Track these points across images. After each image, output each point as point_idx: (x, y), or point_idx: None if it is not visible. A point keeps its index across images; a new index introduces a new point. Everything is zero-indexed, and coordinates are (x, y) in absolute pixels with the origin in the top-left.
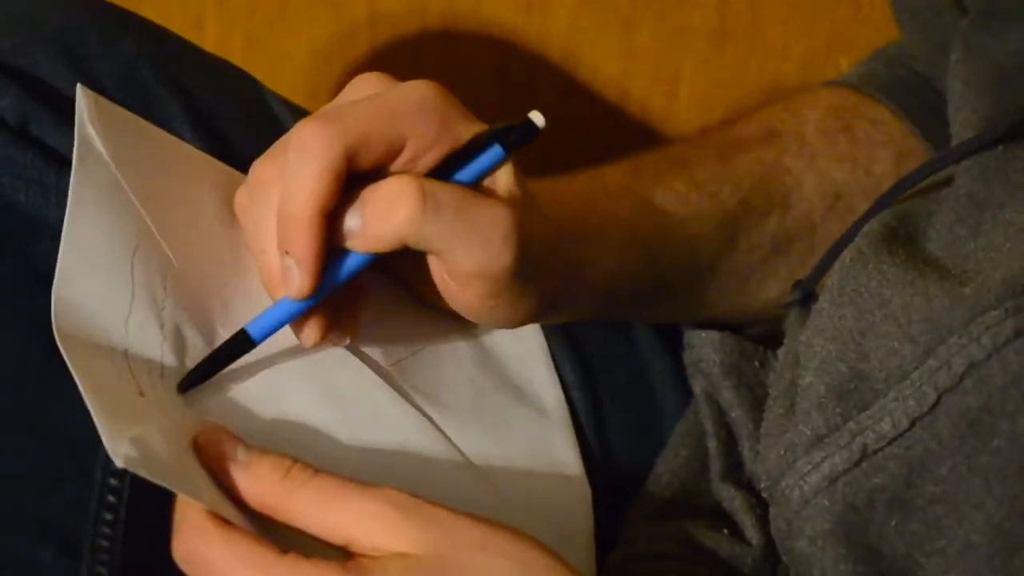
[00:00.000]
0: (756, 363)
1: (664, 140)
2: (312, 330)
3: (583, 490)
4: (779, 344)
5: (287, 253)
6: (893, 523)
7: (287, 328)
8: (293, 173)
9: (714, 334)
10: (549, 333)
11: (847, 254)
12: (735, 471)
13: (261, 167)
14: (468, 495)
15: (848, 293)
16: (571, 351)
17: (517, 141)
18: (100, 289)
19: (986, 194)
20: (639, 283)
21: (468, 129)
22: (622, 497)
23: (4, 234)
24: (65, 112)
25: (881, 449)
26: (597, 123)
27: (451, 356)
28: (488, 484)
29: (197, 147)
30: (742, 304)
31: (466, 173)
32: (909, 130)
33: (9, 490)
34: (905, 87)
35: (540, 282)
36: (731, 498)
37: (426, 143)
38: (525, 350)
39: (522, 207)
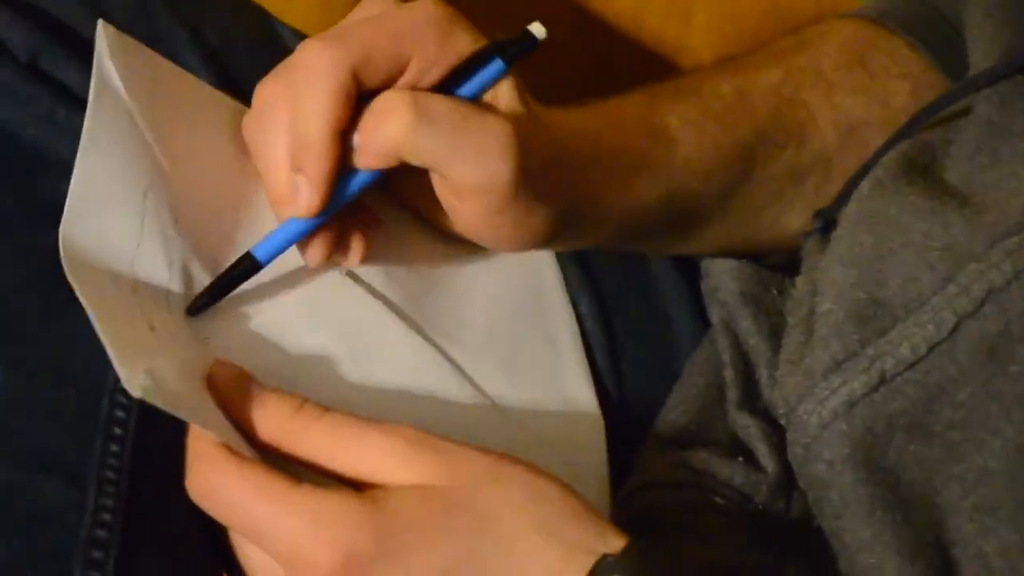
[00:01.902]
0: (774, 291)
1: (678, 71)
2: (317, 249)
3: (597, 423)
4: (797, 273)
5: (299, 171)
6: (911, 448)
7: (302, 270)
8: (304, 94)
9: (732, 262)
10: (564, 265)
11: (866, 183)
12: (751, 400)
13: (266, 88)
14: (480, 428)
15: (867, 221)
16: (586, 283)
17: (517, 53)
18: (109, 226)
19: (1006, 123)
20: (652, 213)
21: (472, 45)
22: (637, 428)
23: (11, 168)
24: (76, 47)
25: (900, 374)
26: (611, 55)
27: (465, 290)
28: (501, 417)
29: (207, 81)
30: (756, 235)
31: (467, 88)
32: (927, 63)
33: (15, 423)
34: (922, 20)
35: (546, 202)
36: (747, 426)
37: (429, 60)
38: (539, 283)
39: (524, 122)
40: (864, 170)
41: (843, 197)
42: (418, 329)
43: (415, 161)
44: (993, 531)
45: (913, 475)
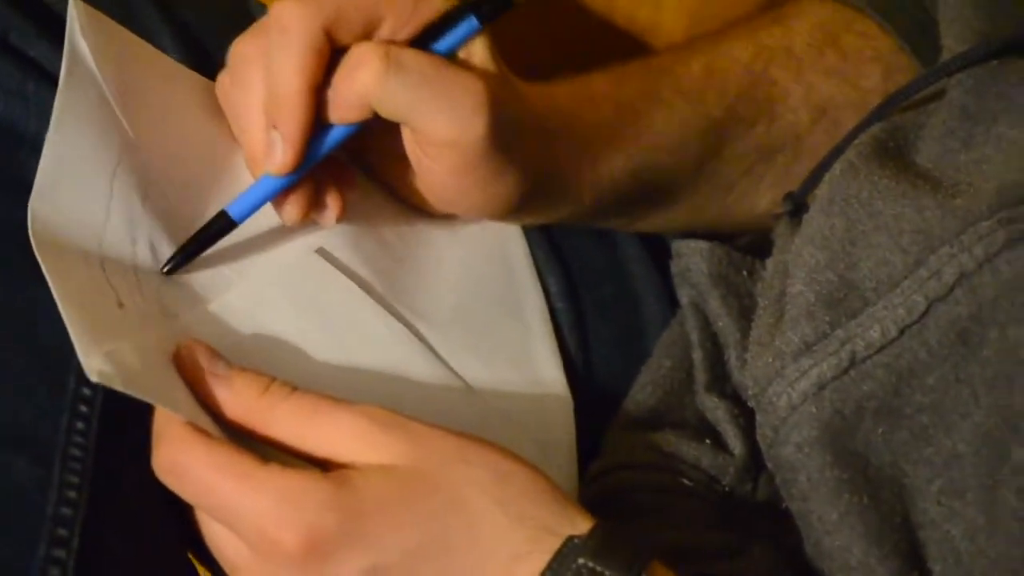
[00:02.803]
0: (744, 273)
1: (650, 51)
2: (293, 207)
3: (565, 401)
4: (767, 255)
5: (274, 128)
6: (880, 431)
7: (270, 243)
8: (277, 51)
9: (702, 243)
10: (533, 244)
11: (838, 166)
12: (720, 382)
13: (240, 47)
14: (449, 407)
15: (838, 203)
16: (555, 262)
17: (491, 12)
18: (78, 202)
19: (979, 108)
20: (621, 187)
21: (446, 3)
22: (605, 408)
23: None
24: (46, 23)
25: (869, 357)
26: (582, 35)
27: (434, 267)
28: (470, 396)
29: (178, 59)
30: (725, 213)
31: (440, 45)
32: (898, 46)
33: None
34: (894, 3)
35: (515, 167)
36: (715, 408)
37: (402, 16)
38: (508, 261)
39: (497, 83)
40: (836, 152)
41: (814, 179)
42: (387, 306)
43: (386, 112)
44: (960, 514)
45: (881, 458)
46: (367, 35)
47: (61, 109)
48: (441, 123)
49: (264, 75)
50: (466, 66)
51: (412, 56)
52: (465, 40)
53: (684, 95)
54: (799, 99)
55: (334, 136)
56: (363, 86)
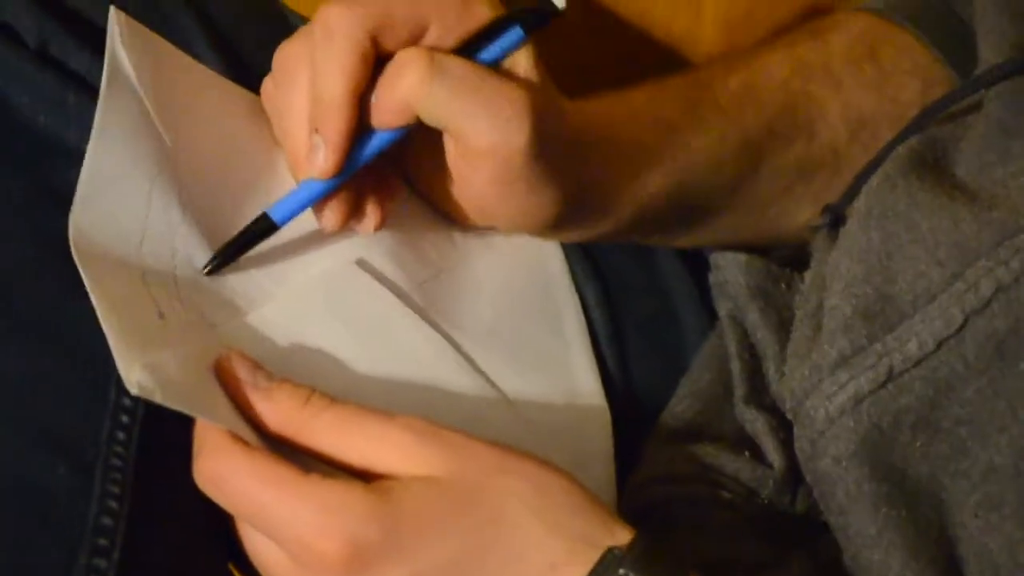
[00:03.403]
0: (783, 285)
1: (688, 63)
2: (333, 213)
3: (602, 414)
4: (806, 267)
5: (317, 132)
6: (918, 444)
7: (309, 254)
8: (322, 56)
9: (740, 256)
10: (572, 258)
11: (875, 179)
12: (758, 394)
13: (286, 52)
14: (487, 419)
15: (875, 216)
16: (593, 275)
17: (536, 22)
18: (118, 213)
19: (1016, 121)
20: (659, 204)
21: (491, 13)
22: (643, 421)
23: (21, 153)
24: (85, 34)
25: (907, 370)
26: (619, 46)
27: (473, 279)
28: (507, 408)
29: (216, 69)
30: (763, 229)
31: (485, 55)
32: (935, 58)
33: (23, 407)
34: (931, 14)
35: (555, 182)
36: (754, 420)
37: (448, 25)
38: (546, 275)
39: (541, 94)
40: (873, 165)
41: (852, 192)
42: (425, 318)
43: (429, 118)
44: (997, 527)
45: (919, 471)
46: (413, 42)
47: (102, 120)
48: (482, 130)
49: (309, 79)
50: (510, 76)
51: (456, 63)
52: (510, 50)
53: (722, 112)
54: (837, 115)
55: (377, 142)
56: (407, 90)
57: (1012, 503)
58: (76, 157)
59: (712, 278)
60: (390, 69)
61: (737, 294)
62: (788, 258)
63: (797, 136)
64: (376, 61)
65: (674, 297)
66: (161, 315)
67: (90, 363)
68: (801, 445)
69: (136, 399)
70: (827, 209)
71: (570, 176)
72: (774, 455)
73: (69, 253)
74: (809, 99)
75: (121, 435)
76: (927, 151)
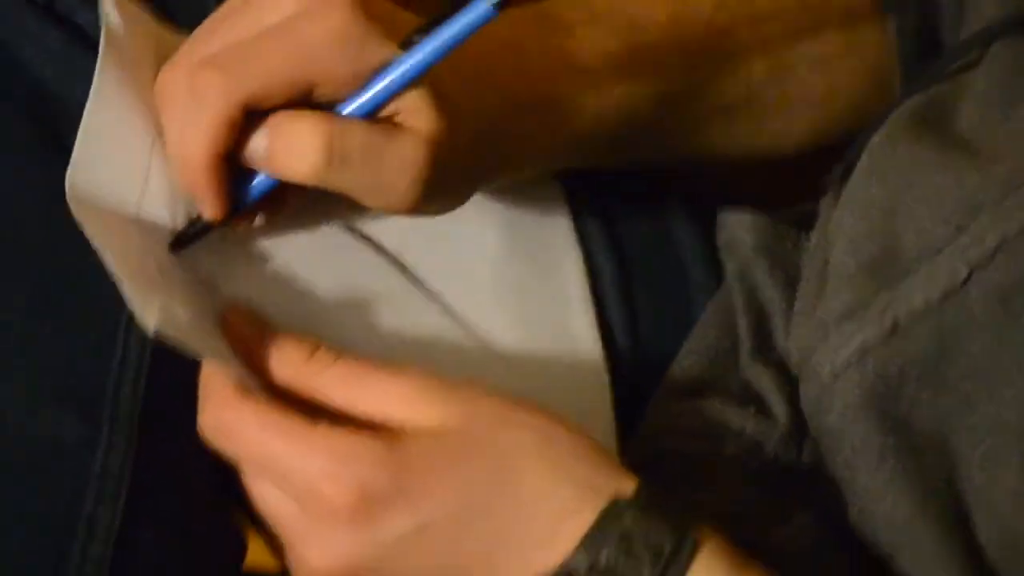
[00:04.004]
0: (789, 244)
1: None
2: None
3: (600, 369)
4: (812, 227)
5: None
6: (924, 398)
7: (305, 219)
8: (185, 120)
9: (747, 215)
10: (581, 213)
11: (876, 137)
12: (765, 350)
13: (165, 79)
14: (487, 372)
15: (878, 173)
16: (603, 231)
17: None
18: (116, 172)
19: (1018, 80)
20: (578, 152)
21: (389, 55)
22: (650, 377)
23: (27, 105)
24: None
25: (912, 324)
26: None
27: (470, 235)
28: (504, 363)
29: None
30: (667, 159)
31: (381, 93)
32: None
33: (30, 358)
34: None
35: (466, 181)
36: (760, 376)
37: (338, 82)
38: (549, 229)
39: (442, 138)
40: (876, 124)
41: (855, 152)
42: (423, 275)
43: (324, 188)
44: (1003, 481)
45: (925, 424)
46: (295, 99)
47: (101, 79)
48: (377, 200)
49: (179, 123)
50: (406, 131)
51: (355, 140)
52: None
53: (648, 55)
54: (756, 55)
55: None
56: (301, 175)
57: (1018, 457)
58: (81, 113)
59: (719, 237)
60: (284, 147)
61: (744, 253)
62: (795, 217)
63: (713, 77)
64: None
65: (683, 254)
66: (162, 271)
67: (97, 313)
68: (808, 399)
69: (143, 349)
70: (835, 169)
71: (476, 178)
72: (780, 410)
73: None
74: (728, 35)
75: (127, 385)
76: (927, 109)
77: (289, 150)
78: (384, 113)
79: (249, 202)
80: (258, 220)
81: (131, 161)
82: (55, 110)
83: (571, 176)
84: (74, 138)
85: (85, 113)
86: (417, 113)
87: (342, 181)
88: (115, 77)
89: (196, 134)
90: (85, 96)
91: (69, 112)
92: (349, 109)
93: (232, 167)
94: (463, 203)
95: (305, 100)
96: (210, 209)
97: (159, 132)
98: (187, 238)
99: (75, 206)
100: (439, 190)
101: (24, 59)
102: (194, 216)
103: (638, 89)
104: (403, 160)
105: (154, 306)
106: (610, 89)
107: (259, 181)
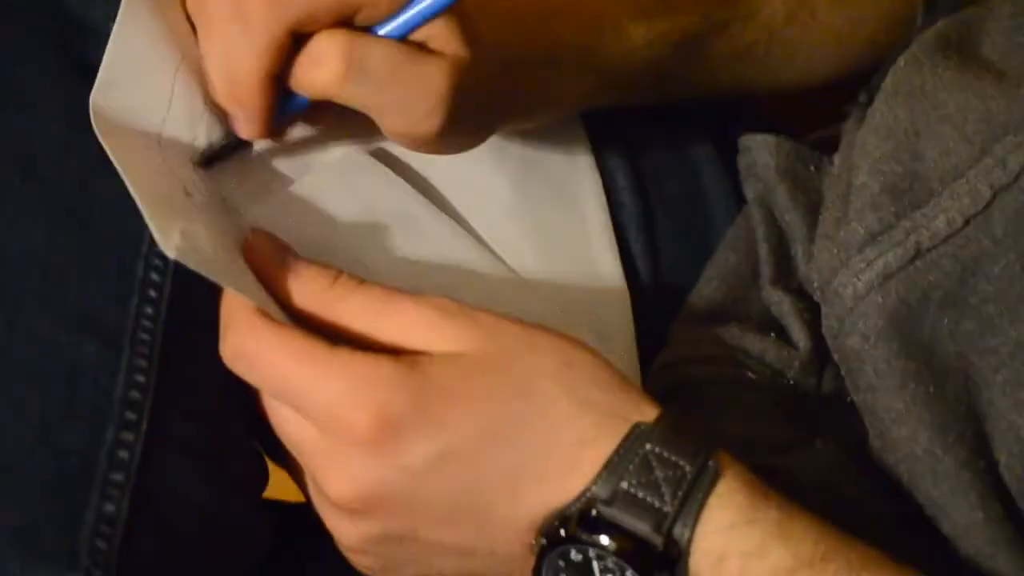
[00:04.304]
0: (811, 167)
1: None
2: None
3: (622, 294)
4: (834, 150)
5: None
6: (946, 321)
7: (328, 143)
8: (232, 42)
9: (770, 138)
10: (601, 140)
11: (901, 59)
12: (785, 276)
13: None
14: (505, 300)
15: (902, 95)
16: (624, 158)
17: None
18: (140, 96)
19: None
20: (593, 98)
21: None
22: (670, 303)
23: (51, 30)
24: None
25: (935, 247)
26: None
27: (492, 163)
28: (525, 288)
29: None
30: (688, 98)
31: (415, 17)
32: None
33: (50, 284)
34: None
35: (481, 128)
36: (780, 302)
37: (380, 7)
38: (568, 155)
39: (463, 64)
40: (900, 47)
41: (880, 75)
42: (444, 200)
43: (346, 104)
44: None
45: (947, 348)
46: (340, 24)
47: (127, 3)
48: (397, 122)
49: (223, 41)
50: (431, 54)
51: (375, 53)
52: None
53: (664, 5)
54: None
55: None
56: (323, 85)
57: None
58: (102, 36)
59: (741, 160)
60: (307, 58)
61: (766, 176)
62: (817, 140)
63: (735, 20)
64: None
65: (703, 180)
66: (188, 193)
67: (117, 240)
68: (829, 323)
69: (163, 275)
70: (861, 92)
71: (495, 120)
72: (800, 336)
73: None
74: None
75: (149, 310)
76: (952, 32)
77: (310, 61)
78: (415, 38)
79: (283, 120)
80: (290, 135)
81: (155, 83)
82: (75, 36)
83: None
84: (93, 63)
85: (111, 37)
86: (445, 40)
87: (361, 95)
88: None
89: (246, 56)
90: (104, 21)
91: (88, 38)
92: (382, 31)
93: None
94: (481, 142)
95: (349, 25)
96: (251, 128)
97: (184, 54)
98: (219, 155)
99: (99, 127)
100: (460, 121)
101: None
102: (220, 136)
103: (657, 35)
104: (425, 82)
105: (175, 231)
106: (630, 35)
107: (297, 99)
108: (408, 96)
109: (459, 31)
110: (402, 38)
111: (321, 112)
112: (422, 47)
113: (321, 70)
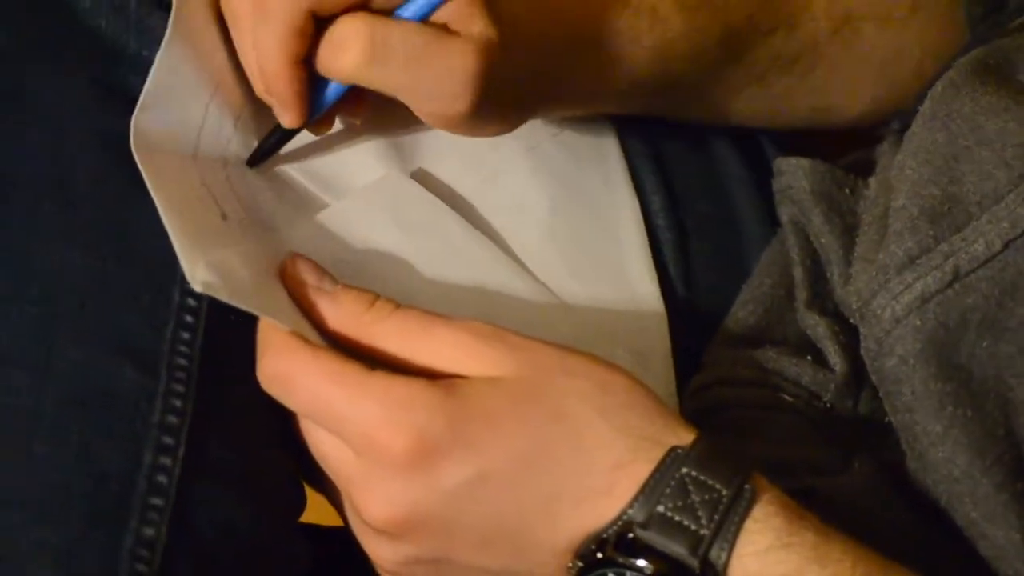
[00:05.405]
0: (847, 190)
1: None
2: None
3: (659, 316)
4: (869, 173)
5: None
6: (984, 344)
7: (363, 164)
8: (259, 32)
9: (804, 161)
10: (636, 162)
11: (939, 84)
12: (821, 299)
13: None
14: (543, 323)
15: (941, 118)
16: (658, 181)
17: None
18: (177, 118)
19: None
20: (631, 94)
21: None
22: (705, 327)
23: (84, 56)
24: None
25: (974, 271)
26: None
27: (527, 181)
28: (563, 311)
29: None
30: (728, 114)
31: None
32: None
33: (88, 309)
34: None
35: (512, 112)
36: (816, 325)
37: None
38: (605, 174)
39: (491, 46)
40: (939, 73)
41: (917, 100)
42: (482, 222)
43: (373, 88)
44: None
45: (985, 371)
46: (359, 8)
47: (174, 28)
48: (425, 103)
49: (251, 35)
50: (456, 36)
51: (399, 35)
52: None
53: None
54: (821, 9)
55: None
56: (348, 69)
57: None
58: (135, 63)
59: (775, 183)
60: (330, 43)
61: (801, 199)
62: (852, 164)
63: (777, 27)
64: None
65: (736, 203)
66: (224, 216)
67: (153, 265)
68: (867, 345)
69: (200, 300)
70: (897, 115)
71: (533, 94)
72: (836, 359)
73: (131, 155)
74: None
75: (185, 335)
76: (990, 57)
77: (333, 45)
78: (437, 20)
79: (324, 108)
80: (336, 126)
81: (194, 102)
82: (108, 62)
83: (625, 128)
84: (126, 89)
85: (157, 59)
86: (469, 20)
87: (387, 77)
88: (186, 26)
89: (271, 43)
90: (138, 48)
91: (121, 64)
92: (404, 13)
93: (309, 75)
94: (514, 126)
95: (367, 7)
96: (289, 115)
97: (221, 79)
98: (265, 151)
99: (137, 149)
100: (492, 103)
101: (78, 9)
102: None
103: (697, 28)
104: (452, 63)
105: (201, 263)
106: (669, 25)
107: (333, 87)
108: (435, 77)
109: (482, 11)
110: (423, 20)
111: (361, 105)
112: (445, 28)
113: (345, 54)
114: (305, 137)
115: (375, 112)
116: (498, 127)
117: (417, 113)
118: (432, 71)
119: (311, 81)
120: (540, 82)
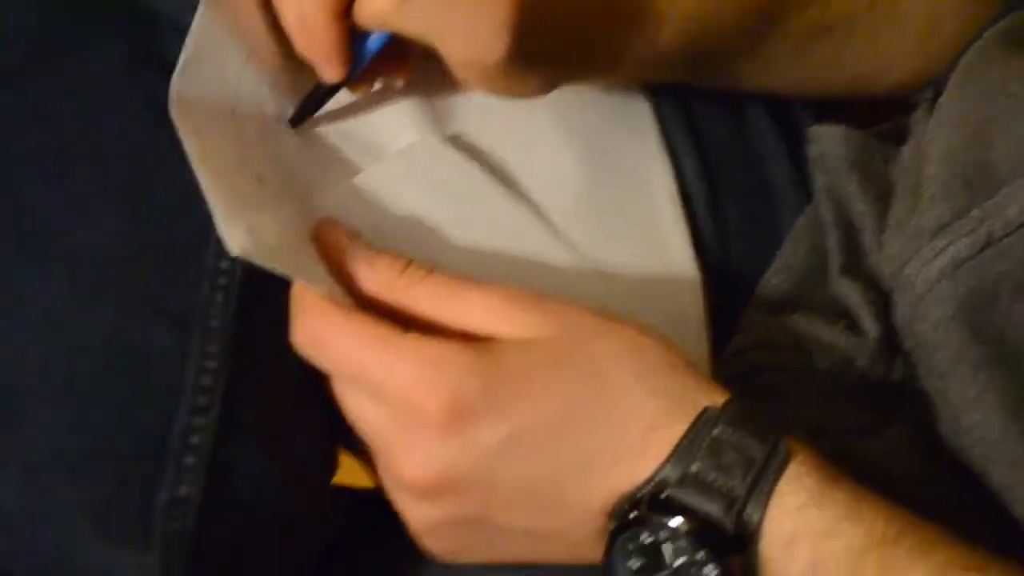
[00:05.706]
0: (881, 158)
1: None
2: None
3: (694, 280)
4: (903, 142)
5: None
6: (1017, 309)
7: (399, 129)
8: None
9: (838, 129)
10: (671, 129)
11: (971, 52)
12: (855, 265)
13: None
14: (577, 288)
15: (972, 86)
16: (693, 148)
17: None
18: (215, 81)
19: None
20: (663, 62)
21: None
22: (739, 292)
23: (122, 21)
24: None
25: (1007, 235)
26: None
27: (561, 148)
28: (597, 276)
29: None
30: (767, 85)
31: None
32: None
33: (122, 272)
34: None
35: (545, 66)
36: (850, 291)
37: None
38: (640, 143)
39: None
40: (970, 42)
41: (949, 67)
42: (516, 191)
43: (407, 35)
44: None
45: (1018, 335)
46: None
47: None
48: (460, 48)
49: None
50: None
51: None
52: None
53: None
54: None
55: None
56: (380, 13)
57: None
58: (171, 27)
59: (810, 151)
60: None
61: (835, 167)
62: (886, 131)
63: (813, 1)
64: None
65: (771, 170)
66: (260, 178)
67: (186, 227)
68: (901, 311)
69: (233, 261)
70: (929, 84)
71: (568, 51)
72: (870, 325)
73: (166, 119)
74: None
75: (219, 297)
76: (1020, 25)
77: None
78: None
79: (364, 62)
80: (377, 84)
81: (229, 72)
82: (144, 27)
83: (659, 96)
84: (164, 52)
85: (194, 22)
86: None
87: (420, 20)
88: None
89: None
90: (173, 12)
91: (157, 29)
92: None
93: (349, 31)
94: (548, 89)
95: None
96: (332, 69)
97: (256, 44)
98: (307, 109)
99: (176, 115)
100: (524, 58)
101: None
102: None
103: (735, 7)
104: (484, 3)
105: (240, 227)
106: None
107: (372, 40)
108: (470, 19)
109: None
110: None
111: (403, 66)
112: None
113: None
114: (341, 100)
115: (415, 75)
116: (532, 87)
117: (451, 65)
118: (466, 12)
119: (351, 37)
120: (574, 43)
